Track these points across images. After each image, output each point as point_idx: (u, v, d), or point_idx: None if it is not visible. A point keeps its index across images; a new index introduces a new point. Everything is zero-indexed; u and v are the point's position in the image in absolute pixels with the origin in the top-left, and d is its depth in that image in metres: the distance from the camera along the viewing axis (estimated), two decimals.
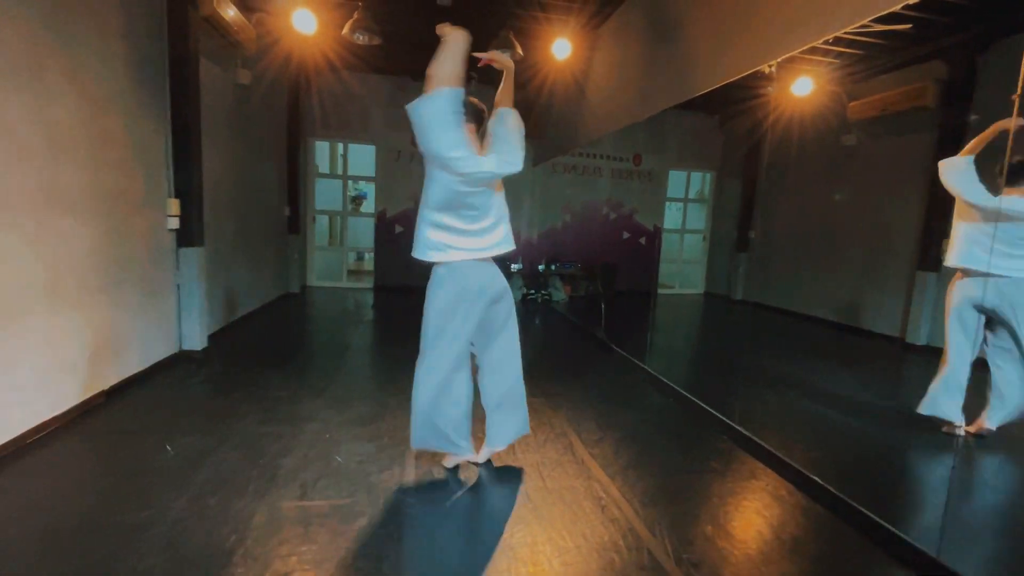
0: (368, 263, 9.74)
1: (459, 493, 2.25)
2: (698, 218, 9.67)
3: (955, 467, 2.76)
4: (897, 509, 2.39)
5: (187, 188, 3.80)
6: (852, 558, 1.95)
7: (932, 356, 5.33)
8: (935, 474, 2.76)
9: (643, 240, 9.14)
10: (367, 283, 8.38)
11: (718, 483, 2.48)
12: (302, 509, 2.05)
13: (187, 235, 3.85)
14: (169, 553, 1.75)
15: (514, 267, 8.35)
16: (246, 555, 1.76)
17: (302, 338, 5.02)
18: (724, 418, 3.13)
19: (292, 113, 6.79)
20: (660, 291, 9.45)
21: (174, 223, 3.74)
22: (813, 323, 6.84)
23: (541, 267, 8.49)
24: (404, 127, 7.82)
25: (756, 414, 3.34)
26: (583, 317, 6.27)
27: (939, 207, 5.39)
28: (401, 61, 7.01)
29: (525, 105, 7.59)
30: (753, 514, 2.22)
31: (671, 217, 9.66)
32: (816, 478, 2.37)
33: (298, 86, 6.77)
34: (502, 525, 2.03)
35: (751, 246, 8.47)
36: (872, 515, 2.07)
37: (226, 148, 4.67)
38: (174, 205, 3.72)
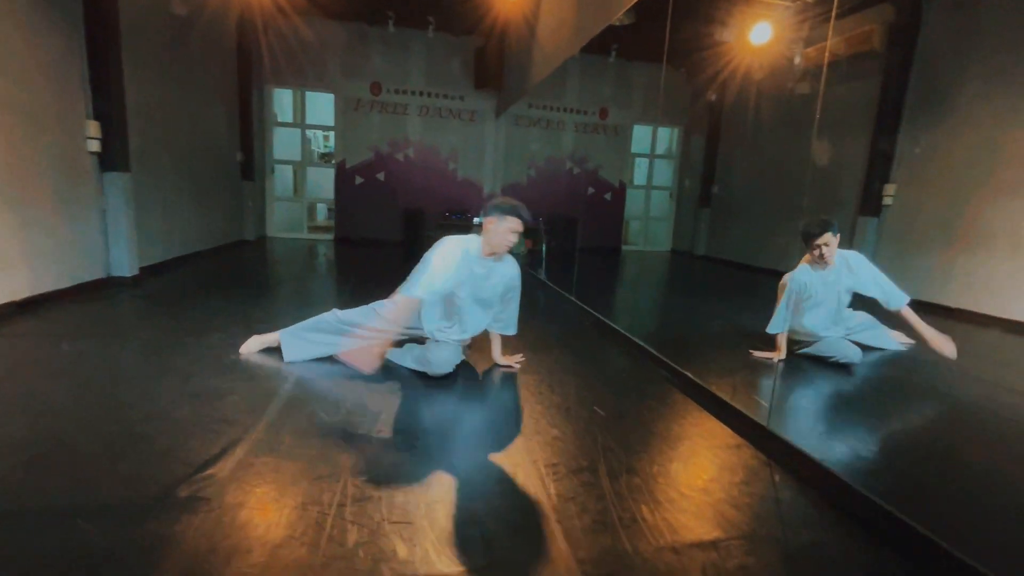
0: None
1: (342, 383, 2.32)
2: (665, 174, 9.67)
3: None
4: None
5: (107, 112, 3.75)
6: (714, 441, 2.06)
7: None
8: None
9: (608, 196, 9.15)
10: (330, 236, 8.37)
11: (573, 352, 2.58)
12: (179, 392, 2.12)
13: (110, 159, 3.82)
14: (34, 424, 1.82)
15: (476, 220, 8.37)
16: (105, 420, 1.84)
17: (241, 276, 5.05)
18: (627, 333, 3.23)
19: (242, 56, 6.64)
20: (625, 248, 9.51)
21: (94, 145, 3.71)
22: (765, 275, 6.94)
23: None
24: (363, 75, 7.76)
25: (660, 335, 3.45)
26: (530, 264, 6.35)
27: (881, 153, 5.44)
28: (354, 6, 6.85)
29: (480, 52, 7.51)
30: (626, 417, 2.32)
31: (637, 173, 9.65)
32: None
33: (246, 28, 6.60)
34: (358, 414, 2.11)
35: (712, 201, 8.51)
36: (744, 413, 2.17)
37: (158, 78, 4.59)
38: (93, 127, 3.68)
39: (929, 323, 2.91)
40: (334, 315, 2.53)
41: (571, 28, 4.52)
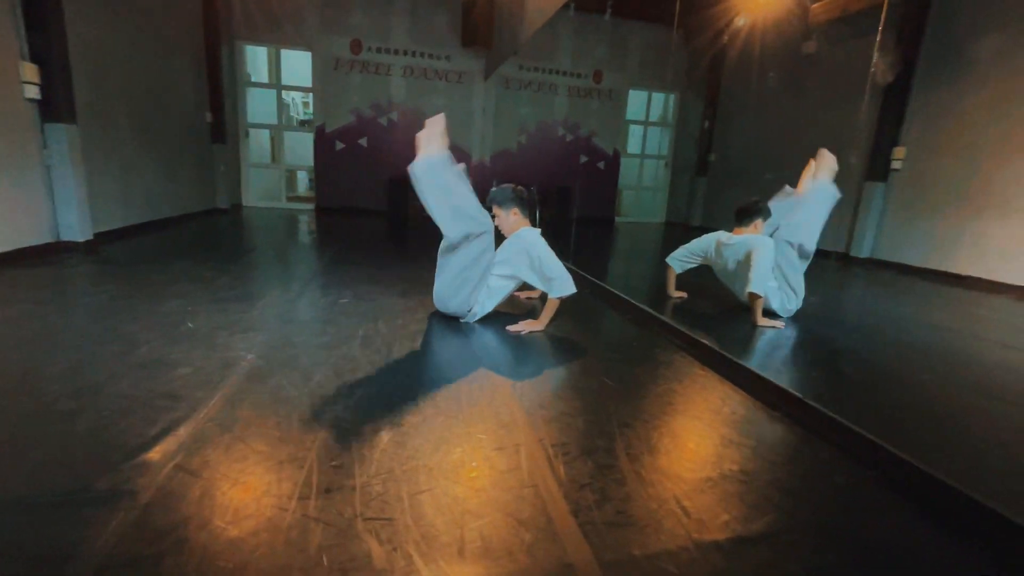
0: None
1: (314, 351, 2.03)
2: (660, 143, 9.33)
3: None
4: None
5: (47, 54, 3.31)
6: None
7: (873, 267, 5.29)
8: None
9: (602, 165, 8.80)
10: (311, 206, 7.94)
11: (573, 319, 2.32)
12: (120, 362, 1.80)
13: (53, 109, 3.39)
14: None
15: None
16: (22, 393, 1.53)
17: (210, 244, 4.67)
18: (632, 299, 2.97)
19: (209, 6, 6.09)
20: (618, 219, 9.22)
21: (33, 92, 3.28)
22: None
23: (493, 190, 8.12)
24: (342, 31, 7.23)
25: (664, 304, 3.20)
26: None
27: (892, 112, 5.17)
28: None
29: (468, 7, 7.02)
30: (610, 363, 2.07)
31: (631, 141, 9.29)
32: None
33: None
34: (332, 387, 1.82)
35: (710, 170, 8.22)
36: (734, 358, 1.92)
37: (109, 24, 4.11)
38: (29, 70, 3.24)
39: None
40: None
41: None
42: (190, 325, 2.23)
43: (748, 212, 2.95)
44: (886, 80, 4.74)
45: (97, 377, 1.67)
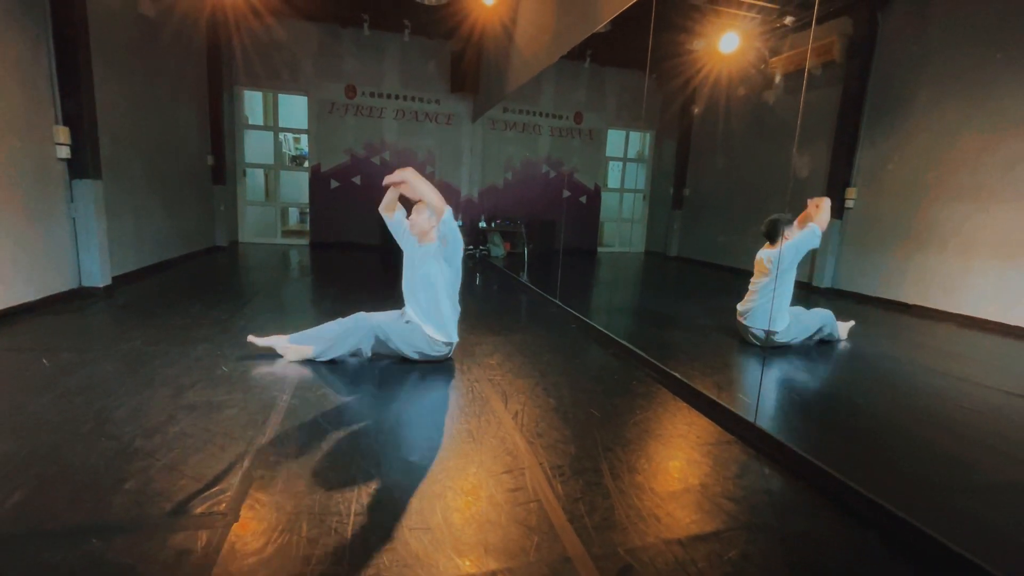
0: None
1: (339, 392, 2.33)
2: (638, 178, 9.90)
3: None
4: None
5: (78, 117, 3.63)
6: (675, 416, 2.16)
7: (833, 296, 5.77)
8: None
9: (584, 199, 9.30)
10: (305, 241, 8.24)
11: (563, 354, 2.67)
12: (173, 405, 2.09)
13: (81, 166, 3.69)
14: (26, 442, 1.77)
15: (457, 223, 8.37)
16: (101, 435, 1.80)
17: (218, 284, 4.93)
18: (613, 335, 3.33)
19: (213, 57, 6.48)
20: (600, 249, 9.69)
21: (64, 152, 3.58)
22: (734, 274, 7.19)
23: (482, 224, 8.54)
24: (337, 77, 7.67)
25: (642, 335, 3.55)
26: (513, 268, 6.42)
27: (842, 158, 5.73)
28: (328, 7, 6.78)
29: (457, 56, 7.53)
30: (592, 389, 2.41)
31: (611, 177, 9.85)
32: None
33: (218, 29, 6.44)
34: (363, 423, 2.13)
35: (685, 204, 8.77)
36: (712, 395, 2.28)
37: (128, 81, 4.45)
38: (62, 133, 3.54)
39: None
40: (363, 320, 2.69)
41: (551, 35, 4.60)
42: (224, 369, 2.51)
43: (774, 230, 3.46)
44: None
45: (159, 418, 1.96)
